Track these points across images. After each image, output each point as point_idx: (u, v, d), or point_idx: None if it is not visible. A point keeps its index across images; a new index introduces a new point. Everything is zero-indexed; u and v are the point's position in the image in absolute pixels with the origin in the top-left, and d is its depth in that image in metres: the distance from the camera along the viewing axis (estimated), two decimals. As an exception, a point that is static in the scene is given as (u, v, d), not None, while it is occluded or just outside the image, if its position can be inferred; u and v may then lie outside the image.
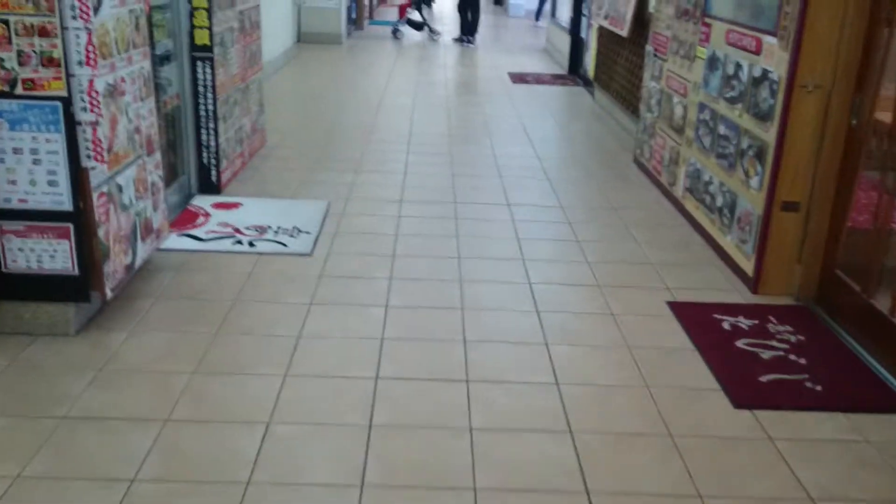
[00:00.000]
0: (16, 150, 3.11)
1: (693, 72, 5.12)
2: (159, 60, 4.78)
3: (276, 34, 10.41)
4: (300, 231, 4.68)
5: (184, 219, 4.79)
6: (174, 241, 4.37)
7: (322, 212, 5.03)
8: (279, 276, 4.09)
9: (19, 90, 3.05)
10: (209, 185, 5.26)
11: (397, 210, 5.18)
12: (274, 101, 7.99)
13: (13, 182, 3.15)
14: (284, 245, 4.47)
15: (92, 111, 3.16)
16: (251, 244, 4.46)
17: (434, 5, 15.43)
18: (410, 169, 6.14)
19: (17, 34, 2.99)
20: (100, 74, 3.23)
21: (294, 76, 10.20)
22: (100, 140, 3.21)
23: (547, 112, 8.75)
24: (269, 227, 4.72)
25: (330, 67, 11.01)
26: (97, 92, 3.15)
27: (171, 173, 5.12)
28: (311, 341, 3.45)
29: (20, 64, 3.02)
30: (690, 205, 5.04)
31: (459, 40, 14.52)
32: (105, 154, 3.25)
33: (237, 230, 4.65)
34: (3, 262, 3.24)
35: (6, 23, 2.97)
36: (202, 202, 5.08)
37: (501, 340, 3.54)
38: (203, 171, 5.23)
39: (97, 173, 3.26)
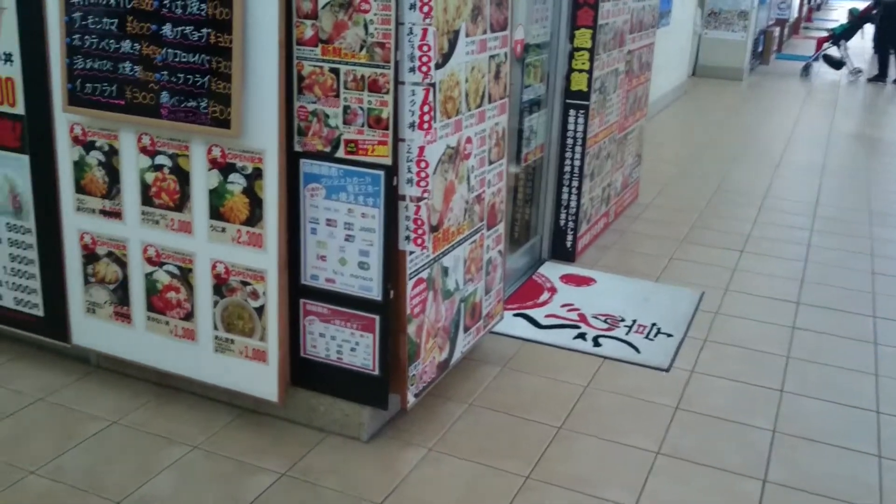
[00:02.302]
0: (329, 222, 2.61)
1: None
2: (528, 107, 4.15)
3: (668, 68, 9.46)
4: (659, 332, 3.73)
5: (526, 291, 4.10)
6: (508, 321, 3.68)
7: (692, 305, 4.02)
8: (623, 397, 3.18)
9: (341, 153, 2.53)
10: (562, 251, 4.53)
11: (791, 316, 3.98)
12: (654, 145, 7.08)
13: (322, 258, 2.65)
14: (637, 350, 3.55)
15: (418, 185, 2.55)
16: (596, 342, 3.62)
17: (851, 41, 13.27)
18: (814, 255, 4.83)
19: (345, 87, 2.47)
20: (437, 138, 2.61)
21: (682, 116, 9.17)
22: (422, 220, 2.58)
23: None
24: (623, 319, 3.84)
25: (725, 108, 9.78)
26: (427, 162, 2.53)
27: (524, 233, 4.48)
28: (650, 521, 2.51)
29: (345, 122, 2.50)
30: None
31: (876, 80, 12.34)
32: (427, 237, 2.62)
33: (583, 318, 3.84)
34: (302, 346, 2.78)
35: (336, 73, 2.47)
36: (551, 272, 4.36)
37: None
38: (558, 234, 4.51)
39: (416, 257, 2.66)
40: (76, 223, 2.90)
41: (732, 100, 10.37)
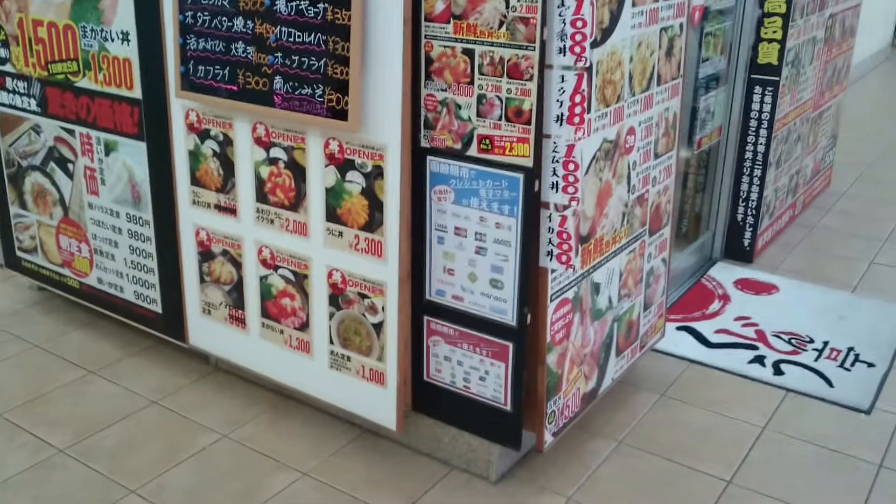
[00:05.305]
0: (458, 231, 2.22)
1: None
2: (704, 84, 3.57)
3: (866, 32, 8.32)
4: (858, 359, 3.10)
5: (692, 298, 3.57)
6: (670, 336, 3.18)
7: (898, 326, 3.35)
8: (810, 446, 2.63)
9: (473, 150, 2.12)
10: (738, 251, 3.93)
11: None
12: (851, 122, 6.18)
13: (450, 272, 2.27)
14: (829, 383, 2.96)
15: (565, 190, 2.10)
16: (777, 368, 3.05)
17: None
18: None
19: (480, 72, 2.05)
20: (591, 132, 2.15)
21: (885, 86, 8.07)
22: (569, 233, 2.14)
23: None
24: (811, 340, 3.23)
25: (937, 76, 8.54)
26: (576, 164, 2.07)
27: (693, 228, 3.92)
28: None
29: (479, 114, 2.09)
30: None
31: None
32: (574, 253, 2.18)
33: (762, 336, 3.27)
34: (425, 369, 2.42)
35: (470, 55, 2.05)
36: (723, 275, 3.79)
37: None
38: (734, 231, 3.91)
39: (560, 275, 2.22)
40: (192, 217, 2.67)
41: (946, 66, 9.07)
